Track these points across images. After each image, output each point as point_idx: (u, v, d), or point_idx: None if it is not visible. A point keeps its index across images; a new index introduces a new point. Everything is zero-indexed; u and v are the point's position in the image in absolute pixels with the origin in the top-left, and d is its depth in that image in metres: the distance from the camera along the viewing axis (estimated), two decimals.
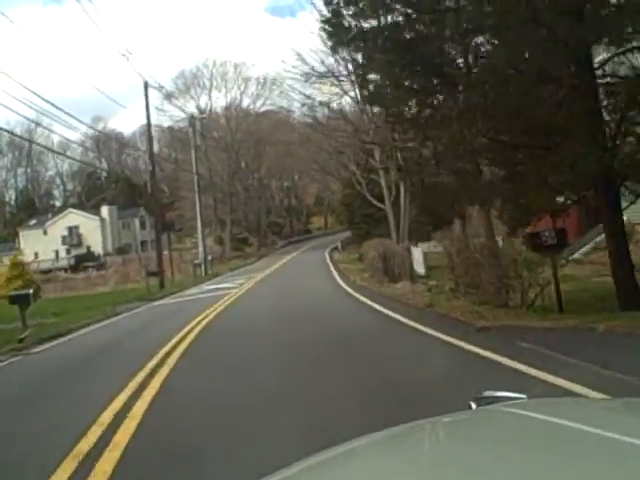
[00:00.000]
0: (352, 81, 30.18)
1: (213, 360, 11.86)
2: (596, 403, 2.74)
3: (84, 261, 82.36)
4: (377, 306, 17.53)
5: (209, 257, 54.08)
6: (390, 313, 15.59)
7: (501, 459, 1.44)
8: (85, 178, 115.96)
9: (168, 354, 12.32)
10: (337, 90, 34.45)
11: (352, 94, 32.51)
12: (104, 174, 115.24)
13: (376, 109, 29.90)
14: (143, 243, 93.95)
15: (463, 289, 15.08)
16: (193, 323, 17.60)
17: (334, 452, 1.76)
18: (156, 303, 29.65)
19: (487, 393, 2.09)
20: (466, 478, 1.34)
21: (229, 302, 23.79)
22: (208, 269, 50.07)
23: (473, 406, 2.06)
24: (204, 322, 17.84)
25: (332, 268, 41.71)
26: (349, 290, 24.28)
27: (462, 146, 12.86)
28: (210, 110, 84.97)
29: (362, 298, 20.61)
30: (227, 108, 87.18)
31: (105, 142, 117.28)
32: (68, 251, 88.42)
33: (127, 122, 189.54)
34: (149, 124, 39.57)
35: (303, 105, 40.98)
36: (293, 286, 28.55)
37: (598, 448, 1.37)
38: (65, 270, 77.73)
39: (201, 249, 49.91)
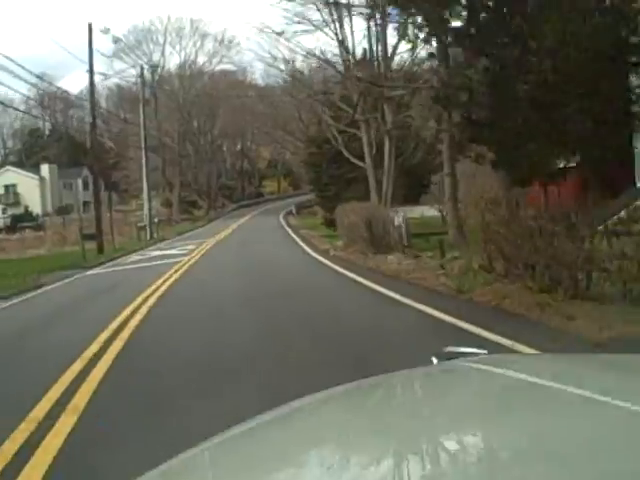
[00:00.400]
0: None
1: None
2: (557, 358, 2.34)
3: (21, 221, 76.56)
4: (381, 289, 12.89)
5: (155, 219, 49.01)
6: (409, 302, 10.98)
7: (460, 413, 1.43)
8: (26, 136, 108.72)
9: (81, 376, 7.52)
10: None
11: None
12: (47, 132, 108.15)
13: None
14: (86, 204, 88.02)
15: (516, 269, 10.51)
16: (129, 308, 12.82)
17: (290, 407, 1.70)
18: (90, 272, 24.60)
19: (449, 349, 2.04)
20: (426, 431, 1.33)
21: (176, 276, 19.04)
22: (154, 233, 45.00)
23: (434, 361, 2.02)
24: (144, 308, 13.02)
25: (293, 235, 37.28)
26: (327, 263, 19.78)
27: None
28: (162, 67, 78.86)
29: (350, 274, 16.06)
30: (181, 66, 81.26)
31: (50, 100, 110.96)
32: (4, 210, 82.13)
33: (75, 83, 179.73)
34: (91, 69, 34.19)
35: (275, 59, 36.07)
36: (254, 257, 23.77)
37: (557, 402, 1.37)
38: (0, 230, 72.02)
39: (146, 210, 44.76)
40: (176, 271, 20.14)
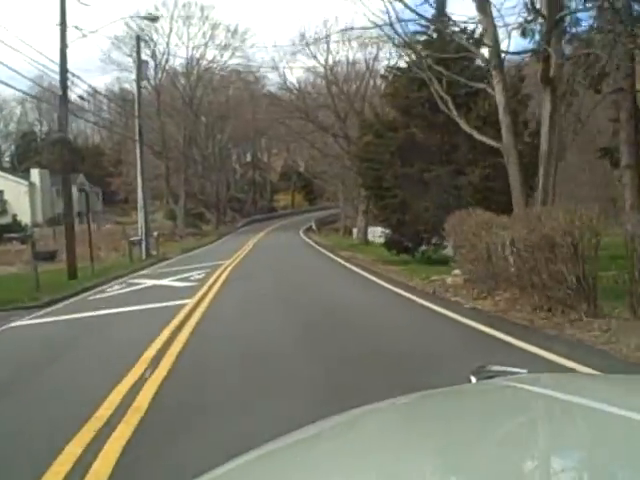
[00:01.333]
0: None
1: None
2: (595, 379, 2.51)
3: (7, 232, 66.32)
4: None
5: (154, 233, 38.85)
6: None
7: (499, 432, 1.41)
8: (19, 139, 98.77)
9: None
10: None
11: None
12: (42, 136, 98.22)
13: None
14: (80, 214, 78.08)
15: None
16: None
17: (330, 423, 1.71)
18: (20, 324, 13.66)
19: (487, 367, 2.01)
20: (465, 450, 1.30)
21: (169, 362, 8.30)
22: (151, 249, 34.73)
23: (473, 380, 1.95)
24: None
25: (339, 259, 27.09)
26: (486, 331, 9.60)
27: None
28: (167, 60, 68.62)
29: None
30: (188, 61, 71.24)
31: (49, 102, 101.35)
32: None
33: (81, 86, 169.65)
34: (63, 19, 24.06)
35: None
36: (312, 302, 13.39)
37: (598, 422, 1.34)
38: None
39: (141, 220, 34.52)
40: (172, 339, 9.86)
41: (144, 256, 33.33)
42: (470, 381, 1.95)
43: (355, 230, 50.78)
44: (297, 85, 64.23)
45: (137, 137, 34.72)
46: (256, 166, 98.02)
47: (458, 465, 1.22)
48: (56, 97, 72.44)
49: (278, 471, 1.39)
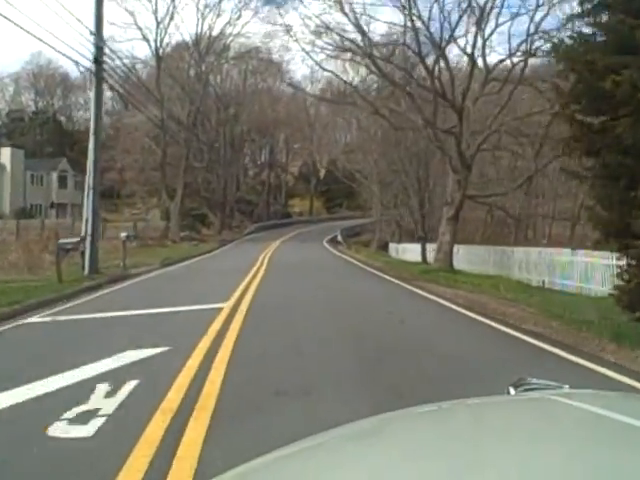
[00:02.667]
0: None
1: None
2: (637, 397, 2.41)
3: None
4: None
5: (124, 234, 25.00)
6: None
7: (532, 446, 1.34)
8: (4, 117, 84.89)
9: None
10: None
11: None
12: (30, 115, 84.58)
13: None
14: (61, 207, 64.14)
15: None
16: None
17: (364, 424, 1.70)
18: None
19: (528, 380, 1.96)
20: (499, 464, 1.25)
21: None
22: (93, 263, 20.48)
23: (512, 391, 1.92)
24: None
25: (444, 302, 13.14)
26: None
27: None
28: (172, 14, 54.52)
29: None
30: (198, 18, 57.10)
31: (47, 82, 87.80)
32: None
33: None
34: None
35: None
36: None
37: (638, 441, 1.30)
38: None
39: (88, 211, 20.12)
40: None
41: (87, 271, 19.23)
42: (509, 393, 1.92)
43: (426, 247, 36.88)
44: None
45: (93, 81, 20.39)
46: (272, 165, 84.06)
47: (486, 477, 1.18)
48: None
49: (293, 475, 1.38)
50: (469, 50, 27.87)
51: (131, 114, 58.17)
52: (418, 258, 36.21)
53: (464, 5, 27.01)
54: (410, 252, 39.31)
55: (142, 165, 57.96)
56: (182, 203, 50.13)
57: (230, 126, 65.00)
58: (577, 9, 10.52)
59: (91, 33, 19.57)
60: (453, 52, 75.82)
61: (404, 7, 26.67)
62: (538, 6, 25.40)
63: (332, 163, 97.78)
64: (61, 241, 18.52)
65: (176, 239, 47.28)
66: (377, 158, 47.77)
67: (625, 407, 1.65)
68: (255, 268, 24.08)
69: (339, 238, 53.47)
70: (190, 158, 51.09)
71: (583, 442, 1.36)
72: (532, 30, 25.52)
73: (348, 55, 30.80)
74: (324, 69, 34.55)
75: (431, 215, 34.58)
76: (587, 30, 10.32)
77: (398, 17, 48.11)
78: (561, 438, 1.40)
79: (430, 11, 33.42)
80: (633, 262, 9.24)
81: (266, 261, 29.19)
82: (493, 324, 10.83)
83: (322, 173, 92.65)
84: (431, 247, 33.78)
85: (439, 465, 1.27)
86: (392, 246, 50.37)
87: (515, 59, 27.39)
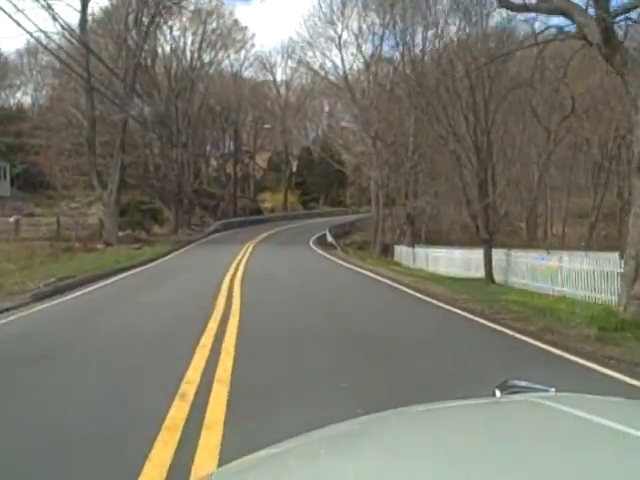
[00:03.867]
0: None
1: None
2: (624, 403, 2.17)
3: None
4: None
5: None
6: None
7: (516, 448, 1.35)
8: None
9: None
10: None
11: None
12: None
13: None
14: None
15: None
16: None
17: (341, 428, 1.65)
18: None
19: (514, 382, 1.95)
20: (483, 465, 1.24)
21: None
22: None
23: (497, 394, 1.91)
24: None
25: None
26: None
27: None
28: None
29: None
30: None
31: None
32: None
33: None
34: None
35: None
36: None
37: (623, 446, 1.29)
38: None
39: None
40: None
41: None
42: (495, 395, 1.90)
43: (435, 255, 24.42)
44: None
45: None
46: (238, 150, 70.52)
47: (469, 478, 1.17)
48: None
49: (285, 473, 1.37)
50: None
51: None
52: (465, 272, 23.55)
53: None
54: (447, 262, 26.52)
55: (73, 147, 44.30)
56: (119, 192, 36.48)
57: (186, 99, 51.71)
58: None
59: None
60: None
61: None
62: None
63: (307, 150, 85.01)
64: None
65: (111, 241, 33.84)
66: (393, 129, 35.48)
67: (610, 411, 1.64)
68: (219, 305, 11.25)
69: (330, 239, 40.52)
70: (126, 129, 37.35)
71: (567, 445, 1.34)
72: None
73: None
74: None
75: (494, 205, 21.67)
76: None
77: None
78: (545, 441, 1.37)
79: None
80: None
81: (239, 282, 16.18)
82: None
83: (295, 164, 79.77)
84: (496, 255, 21.05)
85: (424, 467, 1.25)
86: (399, 250, 37.49)
87: None
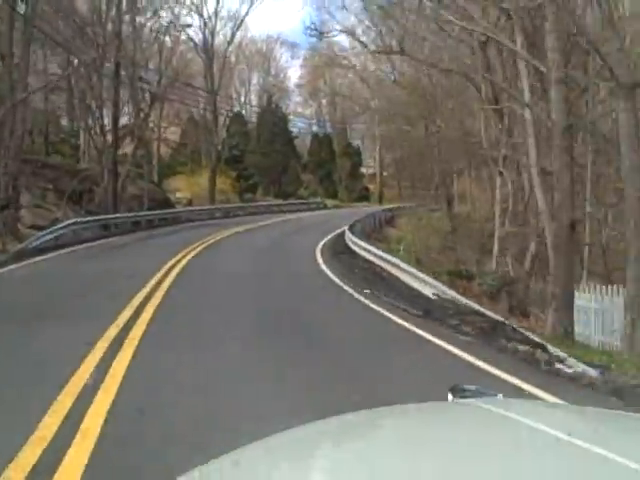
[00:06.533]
0: None
1: None
2: (568, 409, 2.47)
3: None
4: None
5: None
6: None
7: (461, 452, 1.36)
8: None
9: None
10: None
11: None
12: None
13: None
14: None
15: None
16: None
17: (280, 438, 1.57)
18: None
19: (464, 386, 1.99)
20: (427, 467, 1.27)
21: None
22: None
23: (450, 397, 1.92)
24: None
25: None
26: None
27: None
28: None
29: None
30: None
31: None
32: None
33: None
34: None
35: None
36: None
37: (565, 454, 1.29)
38: None
39: None
40: None
41: None
42: (447, 399, 1.90)
43: None
44: None
45: None
46: (138, 113, 40.33)
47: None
48: None
49: (269, 467, 1.38)
50: None
51: None
52: None
53: None
54: None
55: None
56: None
57: None
58: None
59: None
60: None
61: None
62: None
63: (240, 118, 56.35)
64: None
65: None
66: None
67: (554, 416, 1.70)
68: None
69: (367, 292, 12.12)
70: None
71: (509, 451, 1.35)
72: None
73: None
74: None
75: None
76: None
77: None
78: (488, 446, 1.39)
79: None
80: None
81: None
82: None
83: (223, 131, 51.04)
84: None
85: (365, 472, 1.25)
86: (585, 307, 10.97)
87: None
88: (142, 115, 37.02)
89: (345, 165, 55.91)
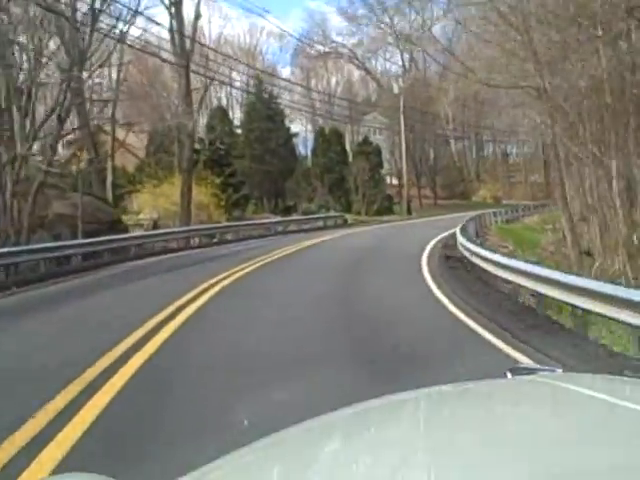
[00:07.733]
0: None
1: None
2: (630, 382, 2.08)
3: None
4: None
5: None
6: None
7: (529, 427, 1.33)
8: None
9: None
10: None
11: None
12: None
13: None
14: None
15: None
16: None
17: (358, 408, 1.60)
18: None
19: (524, 365, 1.97)
20: (495, 444, 1.22)
21: None
22: None
23: (509, 376, 1.84)
24: None
25: None
26: None
27: None
28: None
29: None
30: None
31: None
32: None
33: None
34: None
35: None
36: None
37: (630, 424, 1.25)
38: None
39: None
40: None
41: None
42: (506, 377, 1.83)
43: None
44: None
45: None
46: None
47: (480, 461, 1.13)
48: None
49: (281, 462, 1.33)
50: None
51: None
52: None
53: None
54: None
55: None
56: None
57: None
58: None
59: None
60: None
61: None
62: None
63: (221, 111, 43.51)
64: None
65: None
66: None
67: (617, 389, 1.63)
68: None
69: None
70: None
71: (576, 424, 1.32)
72: None
73: None
74: None
75: None
76: None
77: None
78: (556, 420, 1.37)
79: None
80: None
81: None
82: None
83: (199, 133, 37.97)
84: None
85: (439, 445, 1.24)
86: None
87: None
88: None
89: (362, 168, 42.83)
